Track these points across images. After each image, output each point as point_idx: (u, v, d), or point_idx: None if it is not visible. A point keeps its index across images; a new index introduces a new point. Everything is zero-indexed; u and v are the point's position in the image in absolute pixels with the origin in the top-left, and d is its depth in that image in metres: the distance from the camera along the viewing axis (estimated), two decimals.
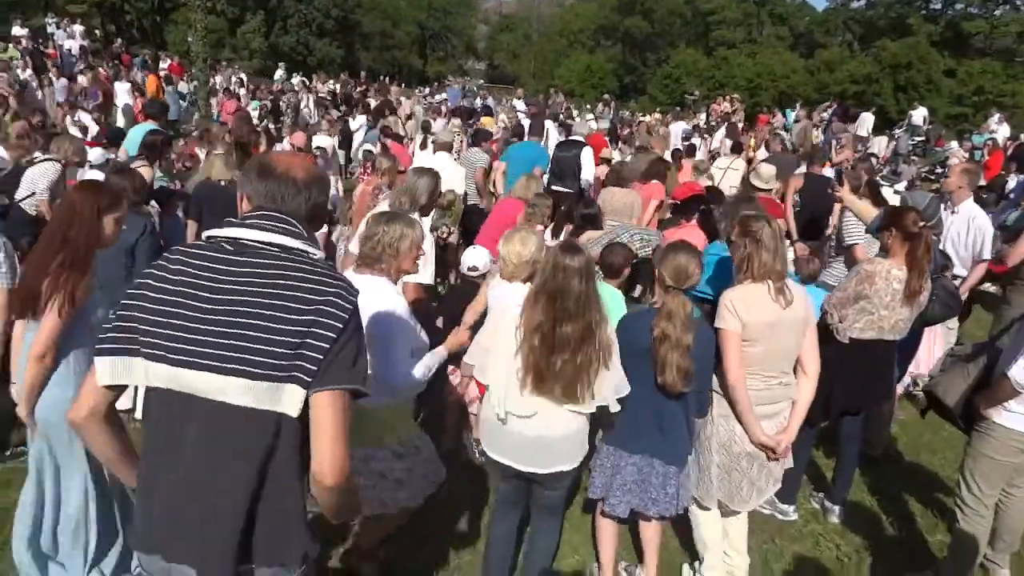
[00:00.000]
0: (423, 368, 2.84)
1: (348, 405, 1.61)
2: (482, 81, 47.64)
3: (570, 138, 8.55)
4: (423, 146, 10.86)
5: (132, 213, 3.85)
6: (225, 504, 1.59)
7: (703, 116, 22.81)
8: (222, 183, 5.39)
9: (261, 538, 1.63)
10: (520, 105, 22.31)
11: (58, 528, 2.97)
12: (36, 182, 5.20)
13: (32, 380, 2.73)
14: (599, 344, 2.63)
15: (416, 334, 2.90)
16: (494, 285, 3.63)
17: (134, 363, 1.61)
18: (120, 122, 14.83)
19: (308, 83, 23.72)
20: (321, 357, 1.55)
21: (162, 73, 19.66)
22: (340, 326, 1.58)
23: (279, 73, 24.54)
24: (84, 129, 10.43)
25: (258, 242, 1.64)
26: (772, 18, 44.42)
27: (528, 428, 2.73)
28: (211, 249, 1.65)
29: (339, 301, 1.60)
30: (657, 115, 23.20)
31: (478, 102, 22.68)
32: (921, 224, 3.60)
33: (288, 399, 1.56)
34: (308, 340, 1.55)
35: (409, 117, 15.95)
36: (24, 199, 5.09)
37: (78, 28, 25.76)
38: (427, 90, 28.67)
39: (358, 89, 22.91)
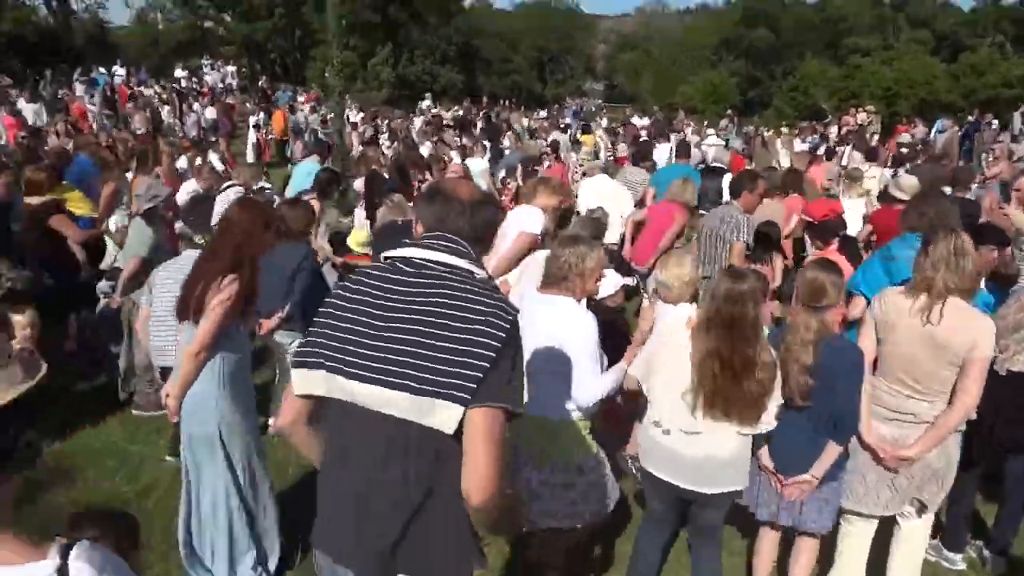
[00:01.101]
0: (611, 382, 2.95)
1: (501, 424, 1.63)
2: (600, 101, 47.76)
3: (712, 165, 8.49)
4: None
5: (295, 243, 4.28)
6: (383, 514, 1.69)
7: (833, 130, 21.65)
8: (399, 222, 5.71)
9: (418, 551, 1.70)
10: (638, 121, 22.27)
11: (197, 528, 3.22)
12: (223, 207, 5.85)
13: (186, 374, 3.00)
14: (771, 367, 2.71)
15: (601, 350, 3.01)
16: (659, 307, 3.71)
17: (319, 375, 1.73)
18: (248, 156, 16.25)
19: (423, 109, 24.72)
20: (480, 375, 1.60)
21: (300, 105, 21.26)
22: (498, 344, 1.62)
23: (427, 103, 25.55)
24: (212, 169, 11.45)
25: (427, 260, 1.75)
26: (910, 22, 41.71)
27: (694, 447, 2.77)
28: (386, 269, 1.79)
29: (497, 321, 1.65)
30: (782, 130, 22.28)
31: (570, 120, 22.76)
32: None
33: (443, 416, 1.60)
34: (466, 359, 1.61)
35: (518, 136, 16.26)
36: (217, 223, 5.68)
37: (230, 68, 28.37)
38: (544, 112, 29.08)
39: (480, 113, 23.64)
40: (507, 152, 12.93)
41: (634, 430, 3.20)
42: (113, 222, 5.21)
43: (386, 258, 1.82)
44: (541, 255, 3.71)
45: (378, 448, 1.68)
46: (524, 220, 4.43)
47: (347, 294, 1.78)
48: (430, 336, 1.64)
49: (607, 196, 6.85)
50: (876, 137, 18.22)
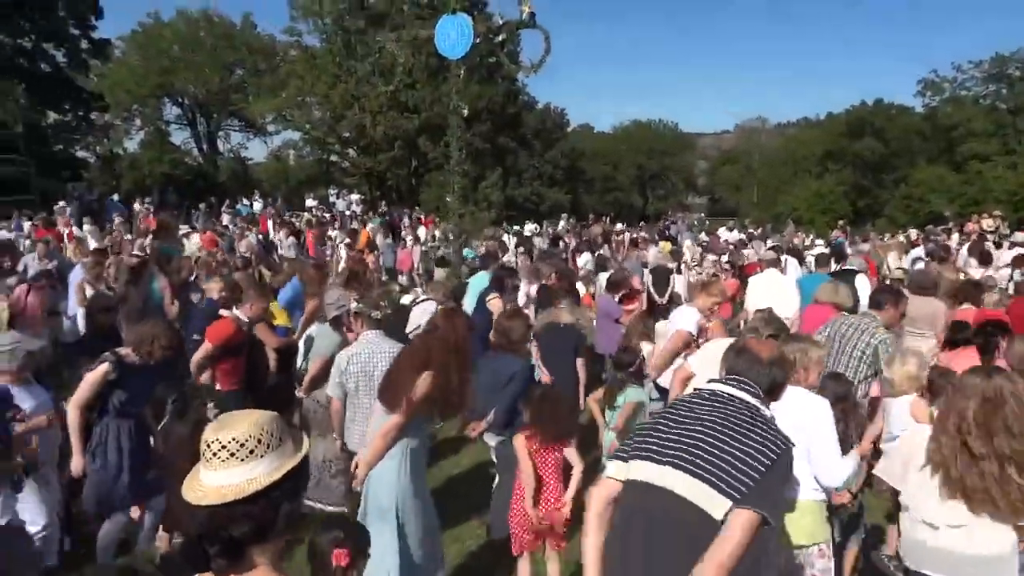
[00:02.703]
0: (853, 465, 3.10)
1: (755, 527, 2.02)
2: (702, 214, 48.17)
3: (845, 268, 8.56)
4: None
5: (514, 353, 4.70)
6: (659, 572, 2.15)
7: (955, 237, 20.77)
8: (562, 325, 6.09)
9: None
10: (726, 234, 22.28)
11: None
12: (420, 318, 6.50)
13: (375, 450, 3.49)
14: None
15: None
16: (884, 403, 3.89)
17: (627, 465, 2.34)
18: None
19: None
20: (751, 483, 2.10)
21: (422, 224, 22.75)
22: (768, 463, 2.16)
23: (562, 224, 26.41)
24: None
25: (729, 394, 2.43)
26: None
27: (957, 543, 2.79)
28: (701, 396, 2.50)
29: (772, 445, 2.22)
30: (900, 238, 21.57)
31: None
32: None
33: (715, 503, 2.11)
34: (743, 467, 2.14)
35: None
36: (412, 331, 6.27)
37: (354, 196, 30.85)
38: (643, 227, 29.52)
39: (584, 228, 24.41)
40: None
41: (891, 530, 3.27)
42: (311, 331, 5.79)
43: (701, 389, 2.54)
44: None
45: (656, 523, 2.14)
46: (680, 319, 4.80)
47: (673, 411, 2.47)
48: (719, 447, 2.21)
49: (775, 295, 6.97)
50: (1007, 243, 17.33)
